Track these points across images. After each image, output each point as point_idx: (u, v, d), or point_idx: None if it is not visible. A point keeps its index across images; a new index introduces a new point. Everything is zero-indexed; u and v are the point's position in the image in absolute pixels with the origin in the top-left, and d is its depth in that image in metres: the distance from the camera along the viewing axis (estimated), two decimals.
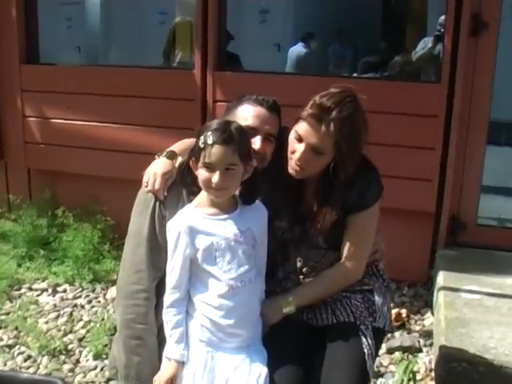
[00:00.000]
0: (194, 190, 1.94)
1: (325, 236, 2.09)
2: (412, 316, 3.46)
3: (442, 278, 3.28)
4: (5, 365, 3.09)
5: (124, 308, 2.05)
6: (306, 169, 2.01)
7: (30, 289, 3.85)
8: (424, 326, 3.37)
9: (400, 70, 4.93)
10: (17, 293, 3.80)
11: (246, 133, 1.92)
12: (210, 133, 1.81)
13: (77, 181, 4.44)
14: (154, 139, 3.89)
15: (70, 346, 3.23)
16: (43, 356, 3.14)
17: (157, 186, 2.01)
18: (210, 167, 1.81)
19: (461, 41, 3.43)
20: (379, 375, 2.95)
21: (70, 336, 3.33)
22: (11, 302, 3.69)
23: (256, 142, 2.06)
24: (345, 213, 2.07)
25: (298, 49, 6.94)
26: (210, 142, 1.80)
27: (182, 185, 1.99)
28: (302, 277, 2.18)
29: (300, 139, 1.97)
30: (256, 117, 2.08)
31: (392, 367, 3.01)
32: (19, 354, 3.17)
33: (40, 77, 4.50)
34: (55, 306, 3.66)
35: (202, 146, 1.81)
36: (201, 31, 3.95)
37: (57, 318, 3.53)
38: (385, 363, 3.04)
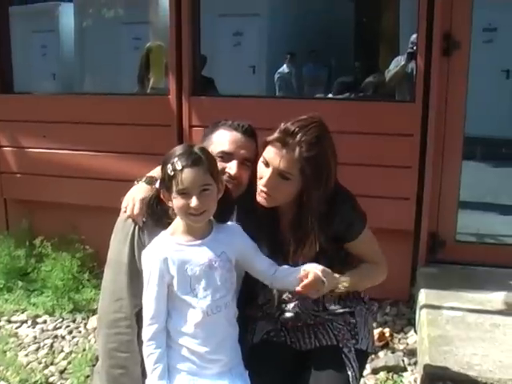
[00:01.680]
0: (166, 221, 1.91)
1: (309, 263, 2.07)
2: (395, 335, 3.46)
3: (423, 295, 3.29)
4: None
5: (106, 337, 2.02)
6: (273, 195, 1.97)
7: (9, 321, 3.79)
8: (408, 344, 3.37)
9: (375, 90, 4.99)
10: None
11: (210, 152, 1.91)
12: (176, 159, 1.79)
13: (54, 210, 4.40)
14: (131, 166, 3.88)
15: (51, 379, 3.17)
16: None
17: (136, 211, 1.99)
18: (185, 193, 1.78)
19: (433, 60, 3.47)
20: None
21: (51, 368, 3.27)
22: None
23: (232, 167, 2.06)
24: (335, 241, 2.06)
25: (284, 71, 7.02)
26: (179, 167, 1.77)
27: (152, 220, 1.96)
28: (283, 304, 2.15)
29: (267, 164, 1.96)
30: (231, 142, 2.08)
31: None
32: None
33: (14, 106, 4.47)
34: (35, 337, 3.60)
35: (172, 173, 1.78)
36: (175, 56, 3.95)
37: (37, 350, 3.47)
38: None
